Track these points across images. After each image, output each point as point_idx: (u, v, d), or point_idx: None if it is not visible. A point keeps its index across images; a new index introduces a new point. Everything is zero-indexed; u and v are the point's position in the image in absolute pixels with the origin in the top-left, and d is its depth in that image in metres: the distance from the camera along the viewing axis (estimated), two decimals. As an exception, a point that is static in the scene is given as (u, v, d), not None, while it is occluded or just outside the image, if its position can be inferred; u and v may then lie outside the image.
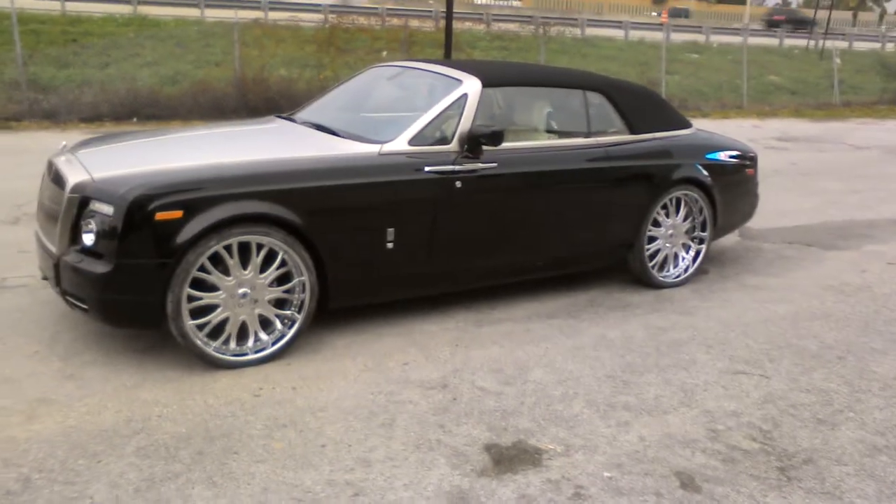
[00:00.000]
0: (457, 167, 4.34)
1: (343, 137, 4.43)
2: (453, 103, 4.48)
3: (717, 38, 29.55)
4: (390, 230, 4.16)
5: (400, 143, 4.28)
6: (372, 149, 4.24)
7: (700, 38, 29.07)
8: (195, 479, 2.89)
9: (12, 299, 4.55)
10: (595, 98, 5.08)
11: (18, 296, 4.60)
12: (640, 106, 5.29)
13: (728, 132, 9.08)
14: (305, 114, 5.14)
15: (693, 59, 23.41)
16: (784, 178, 9.71)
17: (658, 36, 20.14)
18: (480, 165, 4.41)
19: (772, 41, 31.44)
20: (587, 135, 5.00)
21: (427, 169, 4.26)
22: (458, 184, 4.34)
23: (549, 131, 5.04)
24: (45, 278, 4.08)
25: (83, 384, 3.59)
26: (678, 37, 27.62)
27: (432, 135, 4.39)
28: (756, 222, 6.93)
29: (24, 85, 11.65)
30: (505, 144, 4.45)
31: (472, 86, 4.54)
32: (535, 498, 2.86)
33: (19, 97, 11.43)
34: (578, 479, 2.99)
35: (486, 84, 4.61)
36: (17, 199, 6.55)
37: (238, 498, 2.78)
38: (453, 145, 4.38)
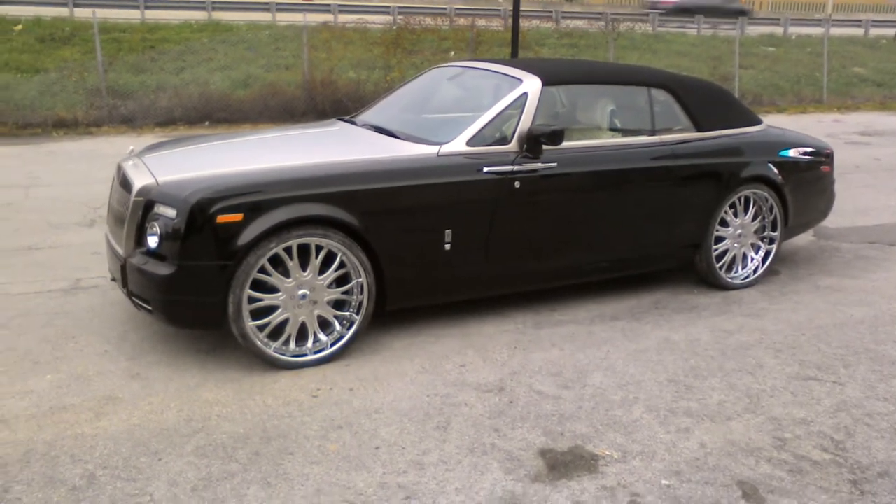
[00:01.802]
0: (516, 167, 4.29)
1: (402, 139, 4.44)
2: (513, 103, 4.43)
3: (796, 30, 28.58)
4: (448, 231, 4.14)
5: (458, 144, 4.25)
6: (430, 150, 4.23)
7: (778, 30, 28.16)
8: (250, 479, 2.93)
9: (86, 299, 4.71)
10: (660, 95, 4.96)
11: (91, 296, 4.76)
12: (706, 103, 5.13)
13: (805, 127, 8.78)
14: (366, 116, 5.17)
15: (769, 52, 22.69)
16: (866, 175, 9.31)
17: (734, 30, 19.59)
18: (540, 165, 4.35)
19: (856, 31, 30.21)
20: (652, 133, 4.88)
21: (486, 169, 4.22)
22: (517, 184, 4.29)
23: (613, 130, 4.94)
24: (113, 279, 4.21)
25: (148, 383, 3.68)
26: (754, 30, 26.82)
27: (491, 135, 4.35)
28: (834, 221, 6.68)
29: (104, 91, 12.08)
30: (565, 143, 4.38)
31: (532, 85, 4.49)
32: (590, 506, 2.80)
33: (100, 103, 11.86)
34: (635, 487, 2.92)
35: (547, 83, 4.54)
36: (94, 202, 6.78)
37: (291, 499, 2.81)
38: (513, 145, 4.33)
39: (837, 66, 19.70)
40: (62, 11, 18.67)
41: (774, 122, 9.18)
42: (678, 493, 2.89)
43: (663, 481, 2.96)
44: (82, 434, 3.21)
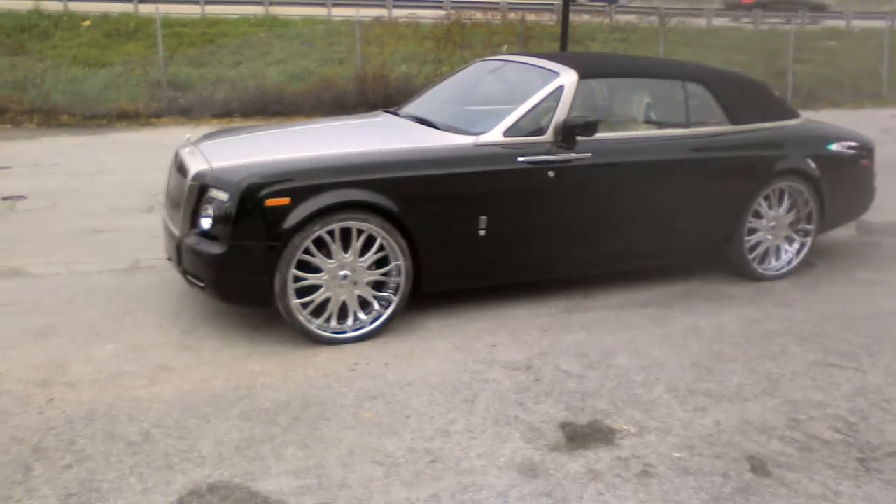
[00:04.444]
0: (550, 157, 4.46)
1: (441, 129, 4.65)
2: (549, 95, 4.60)
3: (859, 24, 27.89)
4: (483, 218, 4.34)
5: (495, 135, 4.44)
6: (468, 140, 4.43)
7: (840, 24, 27.52)
8: (289, 440, 3.17)
9: (143, 278, 5.04)
10: (695, 89, 5.07)
11: (149, 275, 5.09)
12: (741, 96, 5.22)
13: (860, 123, 8.71)
14: (410, 108, 5.39)
15: (830, 46, 22.23)
16: (917, 171, 9.16)
17: (794, 23, 19.28)
18: (574, 155, 4.51)
19: (923, 24, 29.33)
20: (686, 125, 5.00)
21: (521, 159, 4.40)
22: (551, 173, 4.46)
23: (648, 122, 5.06)
24: (169, 259, 4.51)
25: (199, 355, 3.97)
26: (815, 23, 26.27)
27: (528, 126, 4.53)
28: (878, 216, 6.66)
29: (164, 84, 12.57)
30: (600, 135, 4.54)
31: (568, 78, 4.65)
32: (603, 473, 2.98)
33: (160, 96, 12.35)
34: (648, 458, 3.08)
35: (584, 76, 4.70)
36: (153, 189, 7.15)
37: (326, 459, 3.04)
38: (548, 136, 4.50)
39: (901, 61, 19.22)
40: (128, 7, 19.32)
41: (828, 117, 9.12)
42: (688, 464, 3.04)
43: (675, 454, 3.12)
44: (138, 398, 3.51)
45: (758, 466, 3.04)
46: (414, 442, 3.17)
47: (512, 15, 16.12)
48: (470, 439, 3.20)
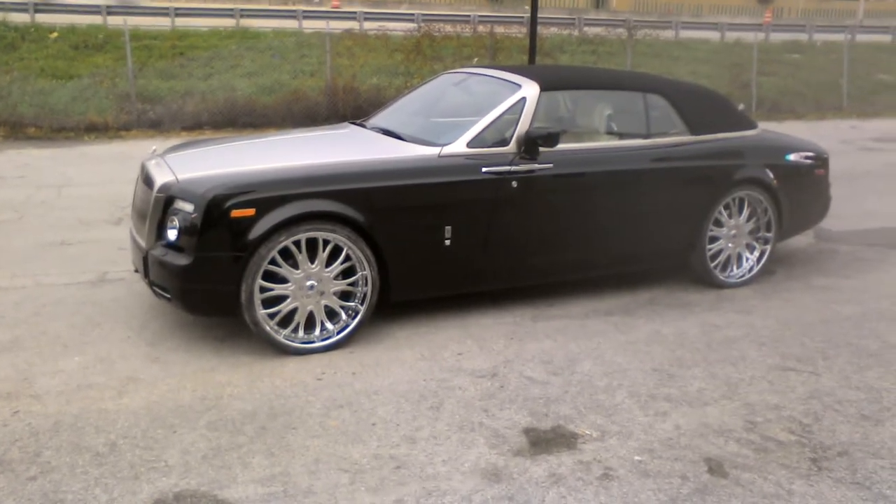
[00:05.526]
0: (513, 168, 4.54)
1: (407, 141, 4.72)
2: (512, 107, 4.69)
3: (822, 37, 28.47)
4: (448, 228, 4.40)
5: (459, 146, 4.52)
6: (432, 151, 4.50)
7: (803, 37, 28.09)
8: (256, 449, 3.20)
9: (111, 290, 5.04)
10: (655, 100, 5.18)
11: (116, 287, 5.09)
12: (701, 107, 5.35)
13: (821, 134, 8.93)
14: (376, 120, 5.45)
15: (793, 59, 22.68)
16: (876, 180, 9.41)
17: (757, 36, 19.61)
18: (537, 166, 4.60)
19: (884, 38, 30.03)
20: (646, 136, 5.11)
21: (484, 170, 4.48)
22: (514, 184, 4.54)
23: (609, 133, 5.17)
24: (136, 271, 4.52)
25: (166, 366, 3.98)
26: (778, 36, 26.78)
27: (491, 137, 4.61)
28: (836, 224, 6.84)
29: (133, 97, 12.52)
30: (561, 146, 4.63)
31: (530, 90, 4.74)
32: (565, 477, 3.04)
33: (129, 108, 12.30)
34: (609, 462, 3.15)
35: (545, 88, 4.79)
36: (121, 201, 7.14)
37: (292, 466, 3.08)
38: (511, 147, 4.59)
39: (862, 73, 19.67)
40: (96, 19, 19.24)
41: (791, 128, 9.33)
42: (648, 467, 3.12)
43: (636, 457, 3.19)
44: (106, 409, 3.51)
45: (715, 468, 3.12)
46: (380, 449, 3.22)
47: (481, 27, 16.28)
48: (435, 445, 3.25)
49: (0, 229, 6.44)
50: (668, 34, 23.32)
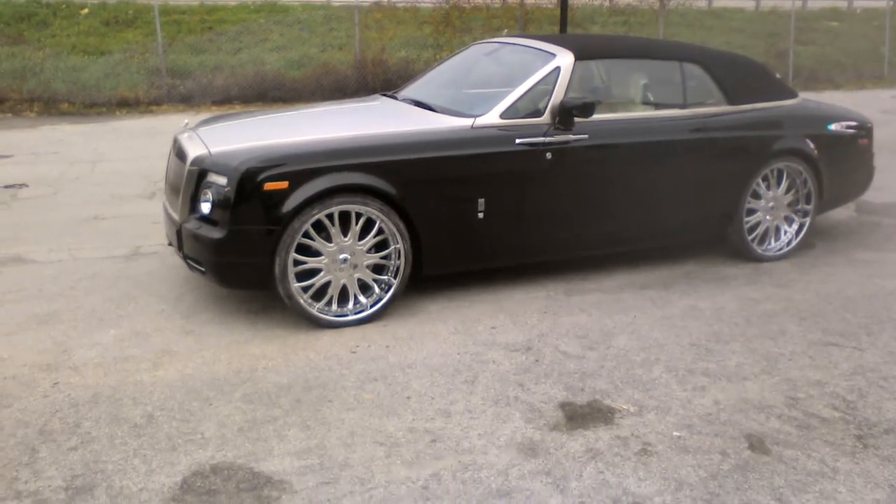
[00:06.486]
0: (547, 139, 4.47)
1: (439, 112, 4.65)
2: (546, 76, 4.60)
3: (862, 3, 27.72)
4: (481, 201, 4.35)
5: (492, 117, 4.45)
6: (465, 122, 4.43)
7: (842, 3, 27.36)
8: (291, 422, 3.20)
9: (145, 264, 5.06)
10: (692, 69, 5.06)
11: (150, 261, 5.11)
12: (738, 77, 5.22)
13: (860, 103, 8.70)
14: (407, 91, 5.39)
15: (832, 26, 22.12)
16: (917, 151, 9.16)
17: (794, 4, 19.15)
18: (571, 137, 4.52)
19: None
20: (683, 106, 5.00)
21: (518, 141, 4.41)
22: (549, 155, 4.47)
23: (645, 103, 5.07)
24: (170, 244, 4.54)
25: (201, 339, 3.99)
26: (816, 3, 26.14)
27: (525, 108, 4.53)
28: (877, 196, 6.67)
29: (163, 71, 12.54)
30: (597, 116, 4.54)
31: (564, 59, 4.65)
32: (602, 452, 3.00)
33: (160, 83, 12.32)
34: (647, 437, 3.11)
35: (580, 57, 4.70)
36: (153, 176, 7.17)
37: (327, 439, 3.07)
38: (545, 117, 4.51)
39: (903, 41, 19.13)
40: (126, -6, 19.27)
41: (830, 98, 9.09)
42: (687, 443, 3.07)
43: (675, 433, 3.14)
44: (142, 381, 3.54)
45: (756, 444, 3.06)
46: (415, 422, 3.20)
47: (512, -1, 16.04)
48: (470, 419, 3.23)
49: (36, 204, 6.50)
50: (702, 3, 22.83)
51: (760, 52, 16.03)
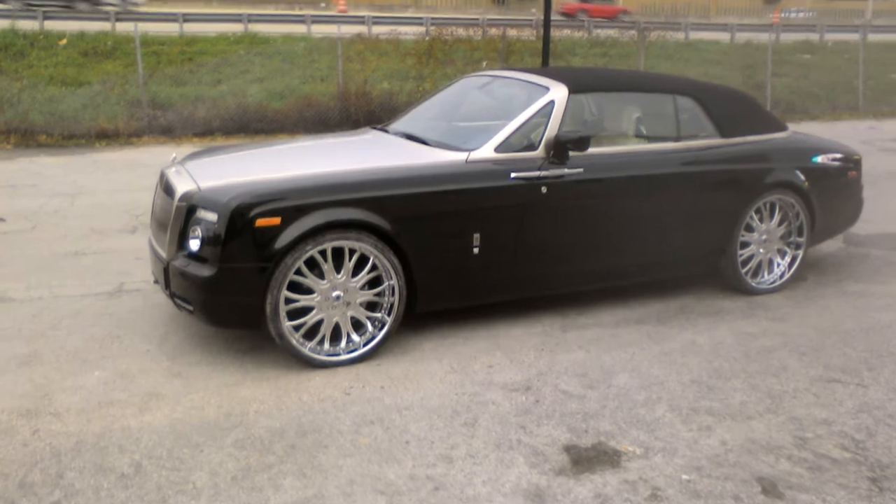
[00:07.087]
0: (542, 173, 4.41)
1: (432, 146, 4.59)
2: (540, 110, 4.56)
3: (833, 37, 28.27)
4: (476, 235, 4.27)
5: (486, 151, 4.39)
6: (459, 156, 4.37)
7: (814, 37, 27.89)
8: (287, 470, 3.07)
9: (129, 302, 4.92)
10: (685, 102, 5.05)
11: (134, 299, 4.96)
12: (731, 110, 5.21)
13: (839, 135, 8.77)
14: (398, 124, 5.32)
15: (805, 59, 22.49)
16: (899, 182, 9.23)
17: (770, 37, 19.44)
18: (566, 171, 4.47)
19: (894, 37, 29.81)
20: (677, 139, 4.97)
21: (513, 175, 4.35)
22: (544, 189, 4.40)
23: (638, 136, 5.03)
24: (156, 282, 4.40)
25: (189, 381, 3.85)
26: (789, 37, 26.60)
27: (519, 142, 4.48)
28: (864, 228, 6.67)
29: (144, 103, 12.42)
30: (591, 150, 4.50)
31: (559, 93, 4.61)
32: (612, 497, 2.90)
33: (140, 115, 12.20)
34: (656, 481, 3.01)
35: (574, 91, 4.66)
36: (135, 209, 7.03)
37: (325, 488, 2.95)
38: (540, 151, 4.45)
39: (875, 73, 19.47)
40: (105, 26, 19.18)
41: (806, 129, 9.15)
42: (698, 487, 2.98)
43: (684, 476, 3.05)
44: (128, 427, 3.39)
45: (769, 488, 2.98)
46: (415, 469, 3.09)
47: (493, 30, 16.16)
48: (473, 465, 3.12)
49: (14, 239, 6.34)
50: (680, 35, 23.16)
51: (738, 84, 16.19)
